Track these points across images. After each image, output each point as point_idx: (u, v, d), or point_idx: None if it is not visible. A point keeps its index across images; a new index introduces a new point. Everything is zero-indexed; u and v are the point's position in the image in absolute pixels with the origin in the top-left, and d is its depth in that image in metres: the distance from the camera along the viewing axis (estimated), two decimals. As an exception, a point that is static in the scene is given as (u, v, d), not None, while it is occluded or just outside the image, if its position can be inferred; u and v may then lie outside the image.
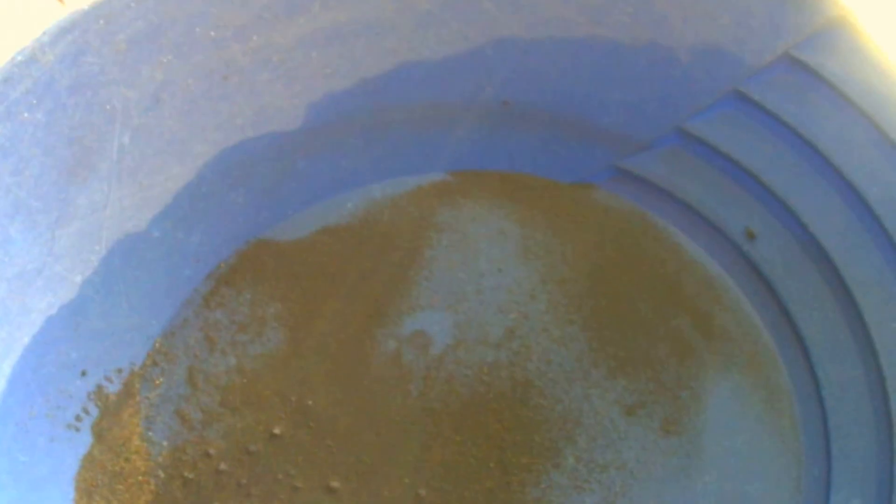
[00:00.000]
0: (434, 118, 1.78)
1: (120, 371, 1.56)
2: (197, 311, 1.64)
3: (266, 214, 1.72)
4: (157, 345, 1.60)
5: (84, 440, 1.50)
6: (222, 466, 1.55)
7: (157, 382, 1.58)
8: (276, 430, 1.57)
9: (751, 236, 1.73)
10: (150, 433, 1.56)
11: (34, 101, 1.41)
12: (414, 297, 1.68)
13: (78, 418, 1.50)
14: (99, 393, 1.53)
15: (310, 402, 1.59)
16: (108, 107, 1.49)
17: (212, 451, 1.55)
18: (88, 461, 1.50)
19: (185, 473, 1.54)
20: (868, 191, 1.59)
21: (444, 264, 1.72)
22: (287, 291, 1.68)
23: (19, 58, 1.40)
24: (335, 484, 1.55)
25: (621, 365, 1.64)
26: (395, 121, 1.76)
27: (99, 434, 1.53)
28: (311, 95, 1.68)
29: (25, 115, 1.41)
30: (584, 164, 1.82)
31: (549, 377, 1.63)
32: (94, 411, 1.52)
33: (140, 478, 1.53)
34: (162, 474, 1.54)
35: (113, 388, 1.54)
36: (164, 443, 1.56)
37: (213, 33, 1.54)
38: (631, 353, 1.65)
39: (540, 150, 1.80)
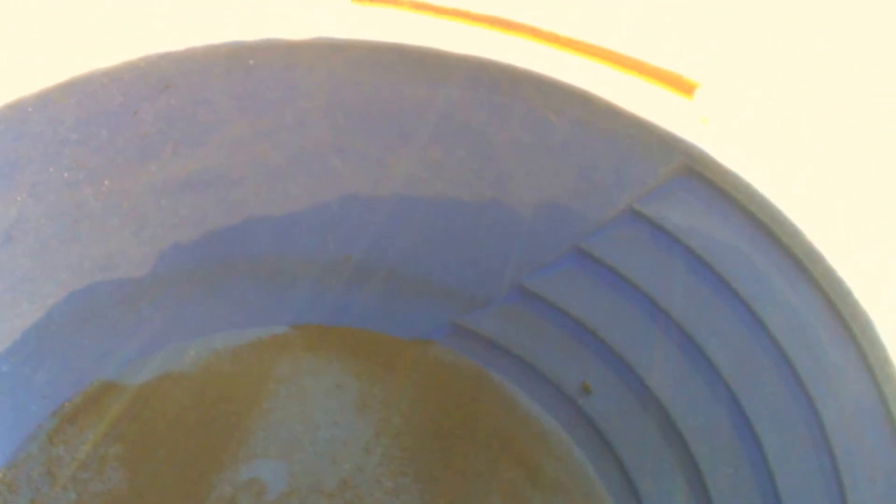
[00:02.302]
0: (278, 272, 2.24)
1: None
2: (41, 446, 2.06)
3: (111, 357, 2.16)
4: (1, 475, 2.00)
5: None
6: None
7: None
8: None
9: (587, 390, 2.14)
10: (-10, 562, 1.88)
11: None
12: (251, 446, 2.13)
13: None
14: None
15: (144, 542, 1.94)
16: None
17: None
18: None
19: None
20: (706, 342, 1.93)
21: (282, 415, 2.17)
22: (128, 433, 2.12)
23: None
24: None
25: None
26: (240, 273, 2.22)
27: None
28: (158, 243, 2.12)
29: None
30: (423, 320, 2.27)
31: None
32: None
33: None
34: None
35: None
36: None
37: (66, 175, 1.94)
38: None
39: (380, 306, 2.26)
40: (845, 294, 1.61)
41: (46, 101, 1.85)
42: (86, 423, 2.13)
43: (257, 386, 2.24)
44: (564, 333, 2.15)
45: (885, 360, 1.56)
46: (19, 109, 1.82)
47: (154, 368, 2.23)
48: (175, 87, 1.92)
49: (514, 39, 1.95)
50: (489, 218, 2.11)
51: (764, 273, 1.77)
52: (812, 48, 2.01)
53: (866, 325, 1.57)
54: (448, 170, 2.09)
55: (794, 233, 1.68)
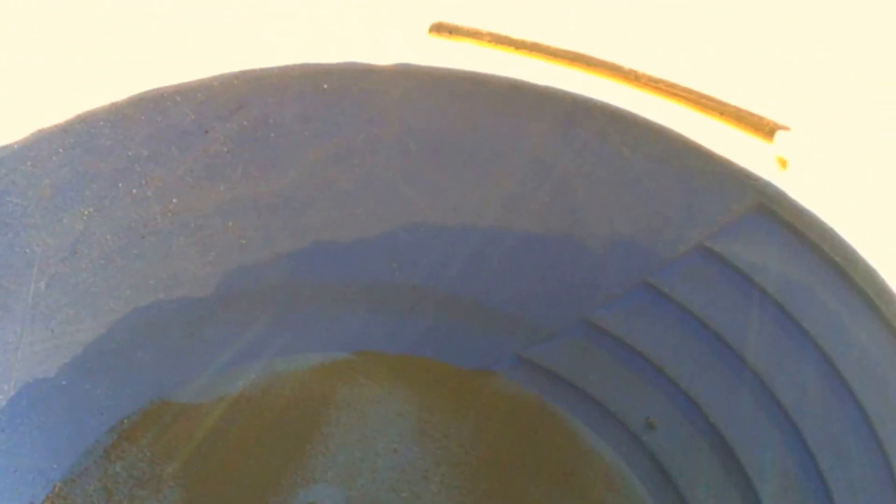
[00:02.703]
0: (342, 298, 2.23)
1: None
2: (98, 461, 2.05)
3: (171, 376, 2.15)
4: (57, 489, 2.00)
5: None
6: None
7: None
8: (165, 586, 1.89)
9: (651, 426, 2.11)
10: (43, 572, 1.86)
11: (-44, 236, 1.69)
12: (309, 471, 2.12)
13: (-23, 546, 1.80)
14: None
15: (200, 563, 1.91)
16: (27, 250, 1.86)
17: None
18: None
19: None
20: (774, 381, 1.90)
21: (341, 441, 2.15)
22: (186, 453, 2.10)
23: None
24: None
25: None
26: (304, 297, 2.21)
27: (-7, 565, 1.82)
28: (224, 264, 2.11)
29: (-54, 249, 1.69)
30: (486, 351, 2.26)
31: None
32: (-8, 543, 1.82)
33: None
34: None
35: None
36: (53, 584, 1.87)
37: (135, 191, 1.95)
38: None
39: (444, 335, 2.24)
40: None
41: (118, 116, 1.86)
42: (144, 441, 2.12)
43: (317, 411, 2.22)
44: (630, 368, 2.12)
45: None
46: (90, 122, 1.83)
47: (214, 389, 2.21)
48: (248, 107, 1.92)
49: (593, 77, 1.89)
50: (558, 250, 2.10)
51: (835, 312, 1.75)
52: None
53: None
54: (519, 201, 2.08)
55: (868, 273, 1.66)
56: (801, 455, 1.83)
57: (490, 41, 2.01)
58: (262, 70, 1.90)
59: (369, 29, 1.99)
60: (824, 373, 1.78)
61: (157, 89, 1.89)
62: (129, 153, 1.92)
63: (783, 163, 1.80)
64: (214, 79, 1.93)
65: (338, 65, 1.90)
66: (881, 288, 1.64)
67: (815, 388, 1.80)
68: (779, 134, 1.89)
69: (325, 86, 1.95)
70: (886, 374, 1.64)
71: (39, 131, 1.78)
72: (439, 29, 2.02)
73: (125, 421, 2.14)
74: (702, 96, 1.90)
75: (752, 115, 1.90)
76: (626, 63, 1.95)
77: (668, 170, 1.92)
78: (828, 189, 1.79)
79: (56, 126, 1.82)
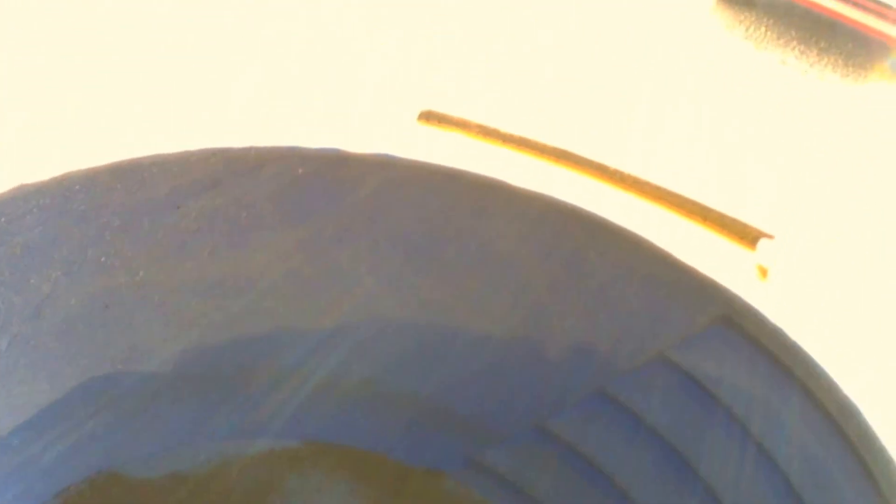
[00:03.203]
0: (298, 387, 2.22)
1: None
2: (41, 526, 1.96)
3: (122, 448, 2.13)
4: None
5: None
6: None
7: None
8: None
9: (599, 536, 2.02)
10: None
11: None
12: (250, 558, 2.04)
13: None
14: None
15: None
16: None
17: None
18: None
19: None
20: (728, 494, 1.90)
21: (286, 529, 2.06)
22: (127, 526, 2.01)
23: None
24: None
25: None
26: (261, 383, 2.21)
27: None
28: (184, 342, 2.11)
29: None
30: (437, 450, 2.24)
31: None
32: None
33: None
34: None
35: None
36: None
37: (103, 259, 1.95)
38: None
39: (396, 431, 2.24)
40: (878, 452, 1.58)
41: (94, 182, 1.87)
42: (87, 511, 1.98)
43: (263, 498, 2.22)
44: (580, 475, 2.11)
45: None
46: (67, 186, 1.84)
47: (163, 466, 2.20)
48: (221, 185, 1.92)
49: (578, 176, 1.90)
50: (518, 354, 2.11)
51: (792, 427, 1.76)
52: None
53: None
54: (483, 301, 2.09)
55: (830, 387, 1.66)
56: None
57: (478, 133, 2.04)
58: (239, 150, 1.90)
59: (358, 113, 2.00)
60: (779, 490, 1.78)
61: (135, 159, 1.91)
62: (102, 220, 1.92)
63: (764, 272, 1.80)
64: (192, 154, 1.95)
65: (315, 150, 1.92)
66: (843, 402, 1.66)
67: (771, 502, 1.79)
68: (762, 242, 1.83)
69: (301, 170, 1.95)
70: (845, 494, 1.66)
71: (17, 188, 1.80)
72: (428, 117, 2.05)
73: (71, 487, 2.12)
74: (686, 201, 1.91)
75: (735, 221, 1.89)
76: (612, 163, 1.96)
77: (634, 278, 1.93)
78: (796, 305, 1.81)
79: (33, 185, 1.83)
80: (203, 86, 2.06)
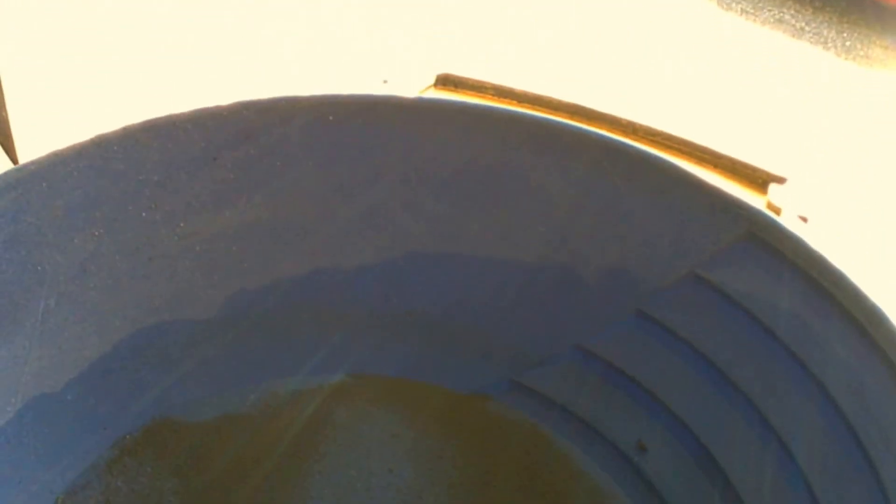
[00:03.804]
0: (341, 322, 2.26)
1: None
2: (100, 475, 2.08)
3: (173, 395, 2.17)
4: (60, 501, 2.03)
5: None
6: None
7: None
8: None
9: (643, 449, 2.14)
10: (48, 584, 1.89)
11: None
12: (305, 489, 2.14)
13: (-18, 554, 1.84)
14: None
15: (196, 577, 1.94)
16: (39, 268, 1.88)
17: None
18: None
19: None
20: (765, 403, 1.92)
21: (337, 461, 2.18)
22: (186, 469, 2.13)
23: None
24: None
25: None
26: (304, 321, 2.24)
27: (-5, 573, 1.85)
28: (226, 288, 2.14)
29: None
30: (481, 376, 2.28)
31: None
32: (-4, 551, 1.85)
33: None
34: None
35: None
36: None
37: (144, 214, 1.98)
38: None
39: (439, 359, 2.27)
40: None
41: (131, 141, 1.88)
42: (145, 457, 2.15)
43: (314, 431, 2.25)
44: (622, 393, 2.15)
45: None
46: (104, 147, 1.85)
47: (215, 408, 2.25)
48: (255, 136, 1.90)
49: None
50: (553, 279, 2.13)
51: (823, 336, 1.77)
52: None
53: None
54: (515, 232, 2.11)
55: (856, 295, 1.67)
56: (793, 475, 1.86)
57: (493, 95, 2.05)
58: (270, 100, 1.90)
59: (377, 72, 2.02)
60: (814, 395, 1.80)
61: (169, 116, 1.91)
62: (140, 178, 1.94)
63: (777, 212, 1.82)
64: (224, 108, 1.95)
65: (344, 96, 1.92)
66: (870, 310, 1.65)
67: (804, 410, 1.83)
68: (772, 186, 1.86)
69: (331, 117, 1.93)
70: (876, 396, 1.67)
71: (55, 154, 1.81)
72: (444, 82, 2.06)
73: (127, 437, 2.16)
74: (697, 148, 1.93)
75: (746, 166, 1.89)
76: (624, 116, 1.98)
77: (660, 201, 1.94)
78: (817, 217, 1.82)
79: (70, 148, 1.84)
80: (233, 43, 2.07)
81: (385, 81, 1.86)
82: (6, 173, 1.77)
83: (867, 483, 1.68)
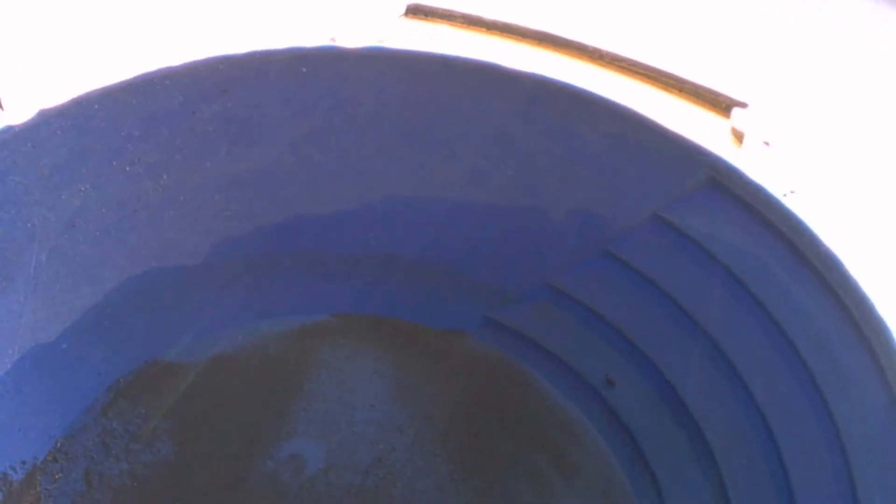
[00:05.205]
0: (322, 265, 2.30)
1: (24, 463, 2.03)
2: (96, 418, 2.14)
3: (163, 338, 2.23)
4: (59, 444, 2.10)
5: (-13, 520, 1.88)
6: (107, 560, 1.95)
7: (57, 477, 2.06)
8: (159, 532, 1.98)
9: (610, 383, 2.20)
10: (47, 523, 1.96)
11: (-37, 214, 1.74)
12: (292, 425, 2.20)
13: (-16, 499, 1.89)
14: (4, 479, 1.99)
15: (190, 510, 2.01)
16: (29, 225, 1.92)
17: (99, 544, 1.97)
18: (-11, 540, 1.87)
19: (72, 562, 1.94)
20: (725, 342, 1.97)
21: (322, 397, 2.24)
22: (178, 409, 2.19)
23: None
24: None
25: (479, 495, 2.15)
26: (286, 264, 2.28)
27: (1, 516, 1.90)
28: (211, 235, 2.18)
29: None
30: (457, 313, 2.33)
31: (412, 503, 2.13)
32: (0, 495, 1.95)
33: (35, 561, 1.93)
34: (51, 561, 1.94)
35: (16, 477, 2.02)
36: (60, 533, 1.97)
37: (128, 168, 2.00)
38: (489, 485, 2.16)
39: (418, 298, 2.32)
40: (860, 300, 1.61)
41: (111, 99, 1.88)
42: (139, 399, 2.21)
43: (298, 369, 2.31)
44: (591, 329, 2.20)
45: (898, 364, 1.49)
46: (85, 106, 1.87)
47: (204, 351, 2.30)
48: (232, 90, 1.91)
49: (559, 57, 1.93)
50: (522, 221, 2.16)
51: (782, 280, 1.79)
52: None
53: (881, 331, 1.57)
54: (485, 176, 2.13)
55: (812, 241, 1.70)
56: (751, 411, 1.91)
57: (463, 23, 2.06)
58: (244, 55, 1.92)
59: (347, 12, 2.02)
60: (773, 336, 1.84)
61: (147, 74, 1.92)
62: (122, 134, 1.96)
63: (739, 137, 1.83)
64: (200, 63, 1.96)
65: (314, 49, 1.94)
66: (825, 256, 1.68)
67: (764, 349, 1.88)
68: (735, 110, 1.87)
69: (304, 69, 1.95)
70: (831, 337, 1.71)
71: (38, 114, 1.82)
72: (415, 11, 2.07)
73: (121, 380, 2.23)
74: (662, 73, 1.94)
75: (709, 91, 1.90)
76: (591, 43, 1.99)
77: (624, 146, 1.96)
78: (778, 164, 1.82)
79: (54, 109, 1.86)
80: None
81: (333, 39, 1.86)
82: (-9, 137, 1.69)
83: (822, 422, 1.74)
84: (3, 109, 1.90)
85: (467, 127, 2.07)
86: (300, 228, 2.24)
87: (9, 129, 1.79)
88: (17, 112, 1.79)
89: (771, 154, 1.82)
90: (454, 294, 2.34)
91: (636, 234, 2.05)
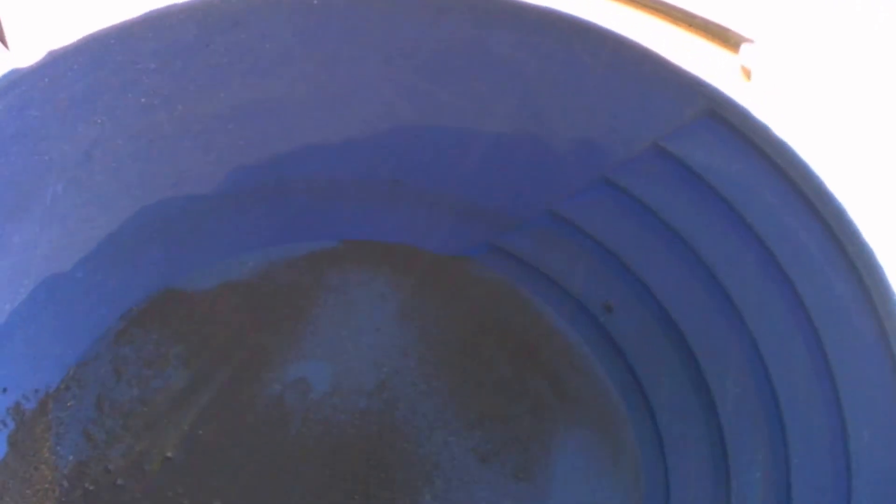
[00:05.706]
0: (331, 192, 2.32)
1: (37, 391, 2.07)
2: (109, 346, 2.18)
3: (176, 266, 2.25)
4: (72, 372, 2.14)
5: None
6: (120, 482, 2.08)
7: (69, 404, 2.12)
8: (170, 454, 2.12)
9: (608, 309, 2.24)
10: (59, 448, 2.08)
11: (-19, 146, 1.74)
12: (299, 348, 2.25)
13: (-4, 428, 1.93)
14: (17, 409, 2.03)
15: (200, 432, 2.14)
16: (46, 157, 1.93)
17: (112, 467, 2.09)
18: (2, 467, 1.98)
19: (87, 485, 2.07)
20: (722, 270, 1.99)
21: (329, 321, 2.28)
22: (189, 335, 2.23)
23: (-32, 106, 1.70)
24: (218, 504, 2.02)
25: (480, 418, 2.20)
26: (297, 192, 2.30)
27: (13, 444, 2.02)
28: (224, 164, 2.19)
29: (-28, 158, 1.73)
30: (462, 239, 2.37)
31: (413, 424, 2.18)
32: (11, 424, 2.02)
33: (46, 486, 2.04)
34: (66, 484, 2.06)
35: (29, 406, 2.06)
36: (71, 457, 2.09)
37: (143, 100, 2.01)
38: (489, 408, 2.22)
39: (424, 225, 2.35)
40: (852, 232, 1.65)
41: (127, 33, 1.89)
42: (151, 326, 2.25)
43: (307, 294, 2.35)
44: (590, 256, 2.23)
45: (888, 296, 1.60)
46: (102, 41, 1.87)
47: (215, 277, 2.34)
48: (245, 22, 1.93)
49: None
50: (526, 148, 2.18)
51: (777, 210, 1.82)
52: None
53: (871, 263, 1.61)
54: (490, 104, 2.14)
55: (807, 174, 1.73)
56: (744, 338, 1.95)
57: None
58: (257, -12, 1.91)
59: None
60: (766, 265, 1.87)
61: (162, 9, 1.92)
62: (138, 66, 1.96)
63: (747, 73, 1.86)
64: (213, -2, 1.89)
65: (327, -17, 1.94)
66: (819, 188, 1.71)
67: (757, 278, 1.91)
68: (744, 46, 1.89)
69: (315, 1, 1.96)
70: (822, 268, 1.74)
71: (50, 52, 1.81)
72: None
73: (134, 309, 2.27)
74: (672, 8, 1.94)
75: (718, 26, 1.91)
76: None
77: (625, 76, 1.97)
78: (778, 99, 1.82)
79: (69, 45, 1.85)
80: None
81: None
82: (8, 73, 1.78)
83: (812, 351, 1.78)
84: (7, 49, 1.83)
85: (472, 58, 2.07)
86: (310, 156, 2.25)
87: (24, 66, 1.78)
88: (23, 53, 1.78)
89: (772, 88, 1.82)
90: (459, 220, 2.36)
91: (636, 164, 2.05)
